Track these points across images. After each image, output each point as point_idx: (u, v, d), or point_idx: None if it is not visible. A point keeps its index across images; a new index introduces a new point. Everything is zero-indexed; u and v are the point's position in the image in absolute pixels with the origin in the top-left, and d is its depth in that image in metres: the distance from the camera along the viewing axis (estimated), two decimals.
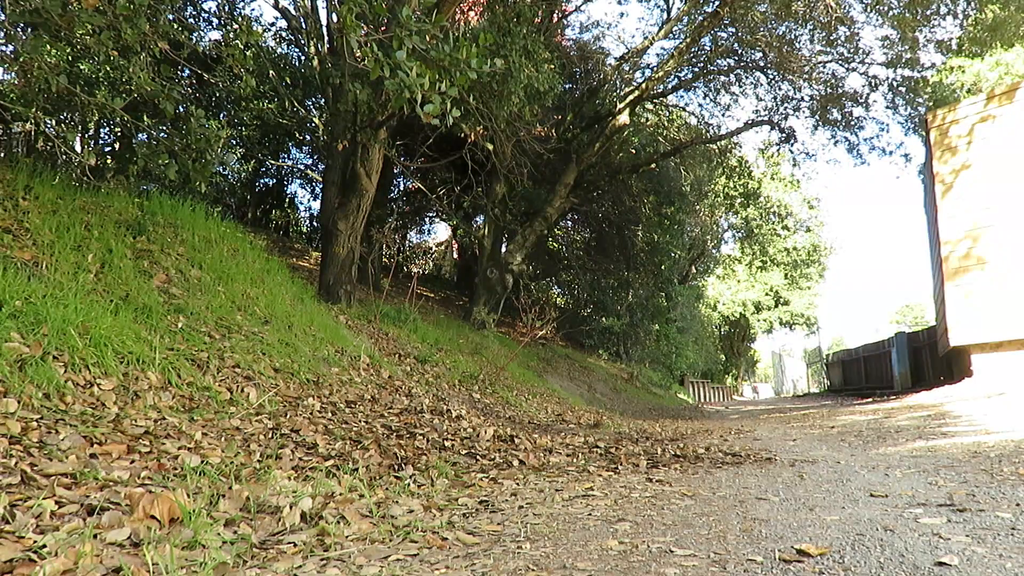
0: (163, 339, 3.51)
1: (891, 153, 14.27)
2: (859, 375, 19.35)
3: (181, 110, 5.54)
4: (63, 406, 2.53)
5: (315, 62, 8.84)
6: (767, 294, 34.48)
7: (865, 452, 3.70)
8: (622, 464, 3.34)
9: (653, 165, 14.92)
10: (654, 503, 2.36)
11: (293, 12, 9.66)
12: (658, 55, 14.73)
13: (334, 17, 7.66)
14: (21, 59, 3.73)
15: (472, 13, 11.56)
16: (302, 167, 14.49)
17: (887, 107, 13.73)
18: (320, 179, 11.66)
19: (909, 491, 2.38)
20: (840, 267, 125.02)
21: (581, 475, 3.03)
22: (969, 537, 1.72)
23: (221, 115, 11.01)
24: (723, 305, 33.80)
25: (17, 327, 2.77)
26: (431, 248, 20.95)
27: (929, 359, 13.77)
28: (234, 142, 11.51)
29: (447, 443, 3.62)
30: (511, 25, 8.00)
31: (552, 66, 8.71)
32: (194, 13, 10.05)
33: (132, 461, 2.25)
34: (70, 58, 5.94)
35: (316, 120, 10.57)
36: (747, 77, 14.40)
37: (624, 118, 12.57)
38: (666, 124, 16.81)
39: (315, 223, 15.93)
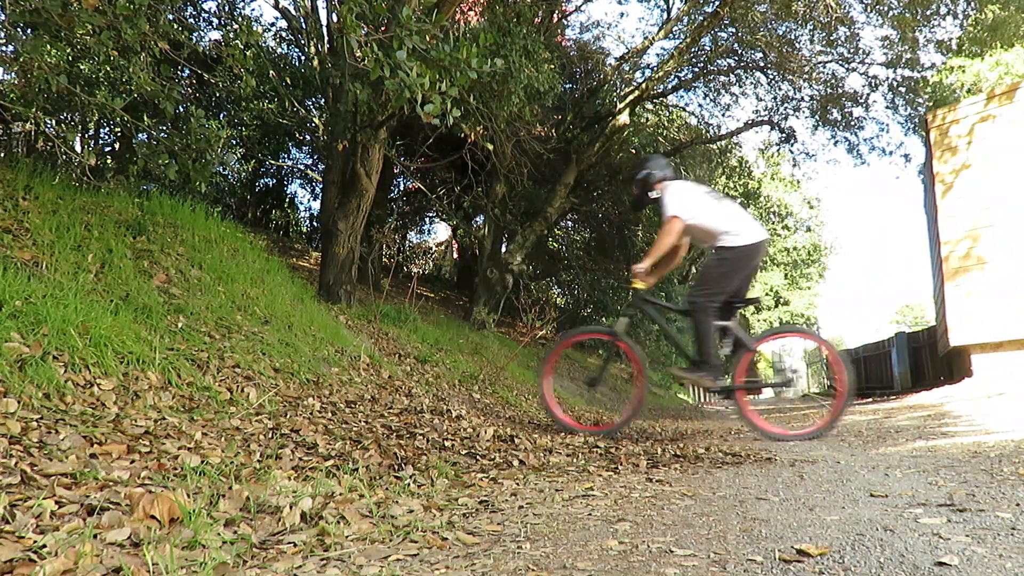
0: (163, 339, 3.51)
1: (891, 153, 14.25)
2: (859, 375, 19.35)
3: (181, 110, 5.55)
4: (63, 406, 2.53)
5: (315, 62, 8.83)
6: (767, 294, 34.49)
7: (865, 452, 3.70)
8: (622, 464, 3.34)
9: None
10: (654, 503, 2.35)
11: (293, 12, 9.66)
12: (658, 55, 14.71)
13: (334, 17, 7.65)
14: (21, 59, 3.73)
15: (472, 13, 11.55)
16: (302, 167, 14.49)
17: (887, 107, 13.72)
18: (320, 179, 11.66)
19: (909, 491, 2.38)
20: (840, 267, 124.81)
21: (581, 475, 3.03)
22: (969, 537, 1.72)
23: (221, 115, 11.02)
24: None
25: (17, 327, 2.77)
26: (431, 248, 20.94)
27: (929, 359, 13.77)
28: (234, 142, 11.51)
29: (447, 443, 3.61)
30: (511, 25, 8.00)
31: (552, 66, 8.70)
32: (194, 13, 10.05)
33: (132, 461, 2.25)
34: (70, 58, 5.93)
35: (316, 120, 10.57)
36: (747, 77, 14.39)
37: (624, 118, 12.57)
38: (666, 124, 16.80)
39: (315, 223, 15.93)
